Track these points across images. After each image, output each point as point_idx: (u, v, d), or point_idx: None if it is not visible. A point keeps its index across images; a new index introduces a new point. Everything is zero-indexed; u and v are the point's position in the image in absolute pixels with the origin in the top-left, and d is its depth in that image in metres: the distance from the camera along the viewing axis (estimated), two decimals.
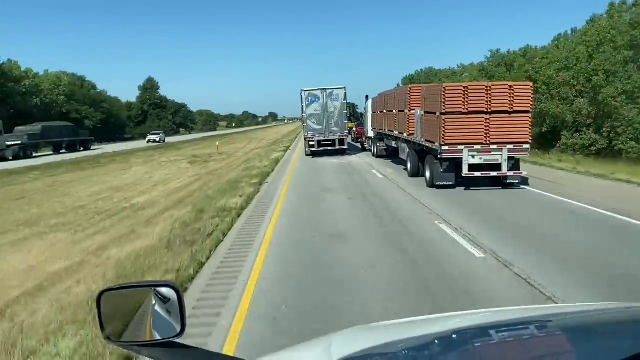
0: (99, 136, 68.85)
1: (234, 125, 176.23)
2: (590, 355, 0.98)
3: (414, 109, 15.27)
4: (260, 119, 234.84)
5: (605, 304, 1.64)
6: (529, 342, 1.24)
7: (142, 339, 1.38)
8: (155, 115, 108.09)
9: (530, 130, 12.50)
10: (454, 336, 1.30)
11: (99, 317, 1.40)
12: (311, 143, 24.83)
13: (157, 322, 1.40)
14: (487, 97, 12.08)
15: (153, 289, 1.45)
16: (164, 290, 1.43)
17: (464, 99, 12.10)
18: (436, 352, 1.22)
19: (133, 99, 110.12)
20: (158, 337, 1.36)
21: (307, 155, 25.16)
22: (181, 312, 1.38)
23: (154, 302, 1.42)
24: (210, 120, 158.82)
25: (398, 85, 67.19)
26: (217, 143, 40.08)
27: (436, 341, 1.26)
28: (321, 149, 24.66)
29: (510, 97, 12.06)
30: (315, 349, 1.33)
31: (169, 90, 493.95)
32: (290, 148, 34.80)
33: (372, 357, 1.22)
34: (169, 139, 69.08)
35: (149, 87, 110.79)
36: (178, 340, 1.35)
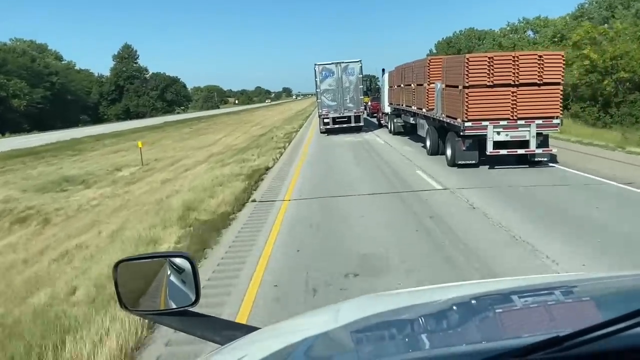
0: (42, 121, 51.95)
1: (236, 102, 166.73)
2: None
3: (433, 83, 14.41)
4: (273, 95, 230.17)
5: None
6: (543, 308, 1.23)
7: (157, 307, 1.45)
8: (132, 91, 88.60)
9: (561, 104, 11.60)
10: (472, 302, 1.30)
11: (116, 287, 1.44)
12: (325, 120, 23.98)
13: (172, 291, 1.45)
14: (514, 69, 11.20)
15: (168, 259, 1.50)
16: (178, 260, 1.48)
17: (489, 70, 11.23)
18: (444, 317, 1.22)
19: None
20: (173, 306, 1.42)
21: (321, 132, 24.38)
22: (195, 282, 1.42)
23: (169, 272, 1.47)
24: (210, 97, 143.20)
25: (430, 52, 61.55)
26: (140, 145, 22.21)
27: (450, 307, 1.27)
28: (336, 126, 23.80)
29: (539, 67, 11.17)
30: (323, 316, 1.34)
31: (173, 67, 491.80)
32: (286, 152, 18.63)
33: (382, 320, 1.23)
34: (126, 124, 53.77)
35: (126, 56, 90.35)
36: (193, 309, 1.41)
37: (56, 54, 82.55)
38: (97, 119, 78.95)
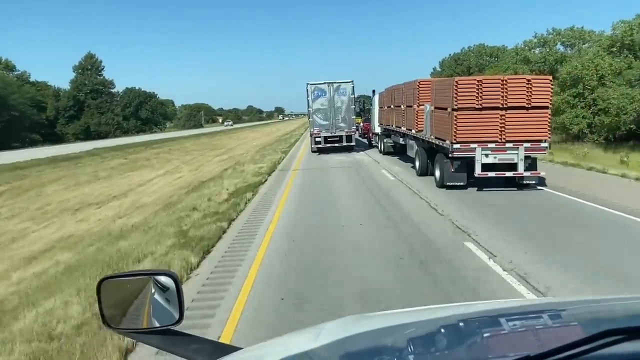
0: None
1: (221, 121, 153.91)
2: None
3: (423, 104, 14.46)
4: (265, 114, 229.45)
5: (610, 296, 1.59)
6: (523, 331, 1.24)
7: (140, 326, 1.43)
8: (94, 108, 76.43)
9: (549, 127, 11.65)
10: (459, 324, 1.29)
11: (99, 304, 1.44)
12: (317, 139, 24.03)
13: (156, 310, 1.43)
14: (502, 92, 11.26)
15: (152, 277, 1.48)
16: (162, 279, 1.46)
17: (477, 93, 11.29)
18: (425, 339, 1.22)
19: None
20: (157, 325, 1.40)
21: (313, 152, 24.38)
22: (179, 301, 1.41)
23: (153, 290, 1.45)
24: (193, 115, 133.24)
25: (434, 70, 60.24)
26: None
27: (434, 329, 1.27)
28: (327, 145, 23.85)
29: (528, 91, 11.23)
30: (306, 336, 1.32)
31: (162, 84, 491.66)
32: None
33: (364, 341, 1.22)
34: (44, 150, 41.85)
35: (88, 67, 77.57)
36: (176, 328, 1.40)
37: (7, 62, 70.32)
38: (56, 139, 68.37)
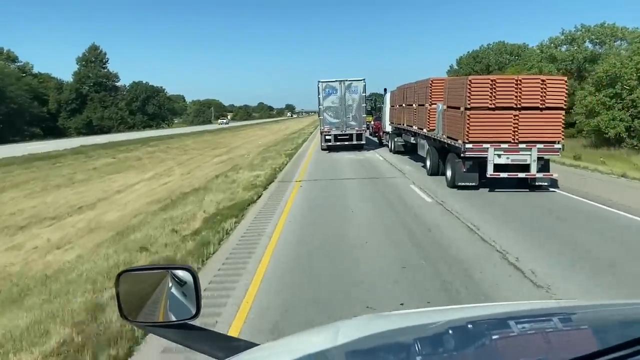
0: None
1: (228, 117, 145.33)
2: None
3: (435, 103, 14.37)
4: (275, 111, 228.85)
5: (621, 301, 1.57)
6: (539, 334, 1.24)
7: (157, 319, 1.43)
8: (97, 101, 73.51)
9: (562, 128, 11.52)
10: (469, 326, 1.29)
11: (117, 297, 1.44)
12: (327, 137, 23.99)
13: (173, 304, 1.43)
14: (516, 92, 11.14)
15: (170, 271, 1.48)
16: (180, 273, 1.46)
17: (491, 93, 11.18)
18: (447, 341, 1.21)
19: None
20: (173, 319, 1.40)
21: (322, 149, 24.35)
22: (197, 295, 1.41)
23: (170, 284, 1.45)
24: (202, 111, 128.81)
25: (451, 67, 58.82)
26: None
27: (447, 331, 1.27)
28: (337, 143, 23.79)
29: (542, 92, 11.11)
30: (323, 334, 1.30)
31: (173, 80, 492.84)
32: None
33: (380, 344, 1.22)
34: (33, 145, 39.42)
35: (92, 59, 74.76)
36: (192, 323, 1.39)
37: (8, 53, 67.84)
38: (59, 133, 66.00)
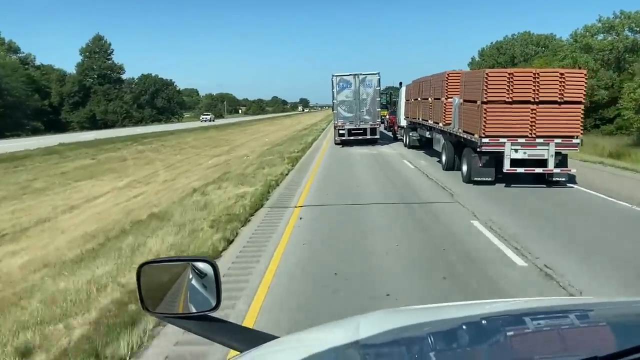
0: None
1: (240, 112, 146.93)
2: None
3: (451, 97, 14.24)
4: (289, 105, 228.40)
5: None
6: (556, 331, 1.23)
7: (178, 311, 1.45)
8: (101, 94, 69.87)
9: (581, 123, 11.33)
10: (483, 322, 1.28)
11: (139, 288, 1.45)
12: (341, 132, 23.91)
13: (193, 295, 1.45)
14: (534, 85, 11.00)
15: (190, 263, 1.49)
16: (200, 265, 1.48)
17: (508, 86, 11.05)
18: (465, 336, 1.22)
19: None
20: (194, 310, 1.42)
21: (336, 144, 24.31)
22: (217, 287, 1.42)
23: (190, 276, 1.46)
24: (214, 105, 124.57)
25: (472, 60, 57.33)
26: None
27: (464, 326, 1.27)
28: (351, 137, 23.72)
29: (560, 85, 10.94)
30: (342, 329, 1.31)
31: (187, 74, 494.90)
32: None
33: (399, 338, 1.23)
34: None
35: (96, 50, 71.15)
36: (213, 314, 1.41)
37: (10, 44, 64.90)
38: (61, 127, 63.10)
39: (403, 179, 13.36)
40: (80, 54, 71.52)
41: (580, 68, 27.64)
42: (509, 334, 1.22)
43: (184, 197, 11.70)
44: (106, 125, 66.50)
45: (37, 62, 69.37)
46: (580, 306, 1.50)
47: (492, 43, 54.23)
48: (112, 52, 73.02)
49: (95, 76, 70.90)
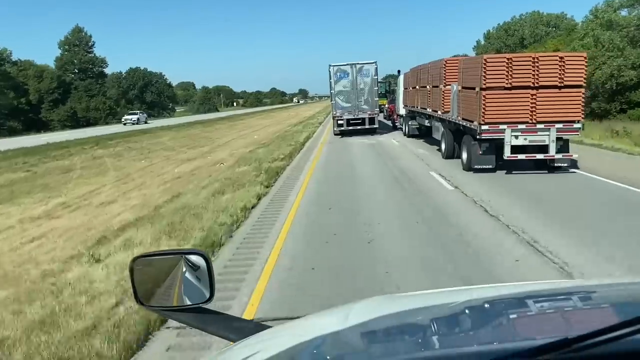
0: None
1: (235, 104, 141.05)
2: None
3: (449, 84, 14.04)
4: (288, 97, 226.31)
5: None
6: (555, 312, 1.22)
7: (172, 304, 1.47)
8: (83, 90, 65.68)
9: (582, 107, 11.14)
10: (483, 305, 1.27)
11: (132, 282, 1.46)
12: (339, 122, 23.76)
13: (187, 288, 1.45)
14: (533, 70, 10.80)
15: (183, 256, 1.49)
16: (193, 258, 1.48)
17: (507, 72, 10.85)
18: (455, 319, 1.21)
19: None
20: (188, 303, 1.43)
21: (335, 134, 24.16)
22: (210, 279, 1.43)
23: (184, 269, 1.46)
24: (208, 98, 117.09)
25: (478, 43, 55.47)
26: None
27: (455, 310, 1.26)
28: (350, 127, 23.57)
29: (560, 69, 10.75)
30: (335, 316, 1.30)
31: (183, 68, 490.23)
32: None
33: (391, 323, 1.21)
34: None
35: (76, 43, 66.91)
36: (206, 306, 1.42)
37: None
38: (41, 126, 59.02)
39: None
40: (59, 48, 67.33)
41: (603, 47, 26.63)
42: (508, 314, 1.22)
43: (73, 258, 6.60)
44: (88, 123, 62.79)
45: (15, 58, 64.80)
46: (584, 288, 1.48)
47: (499, 24, 51.56)
48: (93, 44, 69.06)
49: (76, 71, 67.02)
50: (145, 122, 56.63)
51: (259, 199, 10.02)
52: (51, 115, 62.89)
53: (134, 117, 57.32)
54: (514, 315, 1.22)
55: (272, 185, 11.68)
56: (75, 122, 63.62)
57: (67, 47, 66.89)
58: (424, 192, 9.97)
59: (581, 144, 15.41)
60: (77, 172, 18.22)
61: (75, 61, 66.61)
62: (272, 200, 10.00)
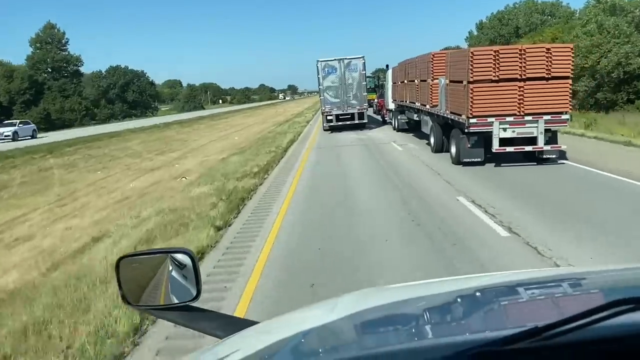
0: None
1: (220, 102, 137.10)
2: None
3: (437, 78, 13.99)
4: (277, 93, 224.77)
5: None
6: (531, 302, 1.22)
7: (159, 303, 1.47)
8: (57, 90, 61.66)
9: (570, 99, 11.15)
10: (461, 295, 1.27)
11: (118, 282, 1.47)
12: (329, 117, 23.67)
13: (173, 287, 1.46)
14: (520, 62, 10.78)
15: (169, 255, 1.49)
16: (179, 256, 1.48)
17: (494, 64, 10.82)
18: (432, 310, 1.21)
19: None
20: (175, 301, 1.43)
21: (325, 130, 24.06)
22: (196, 278, 1.43)
23: (170, 268, 1.47)
24: (193, 96, 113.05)
25: (470, 34, 54.94)
26: None
27: (433, 302, 1.27)
28: (339, 123, 23.49)
29: (547, 61, 10.75)
30: (322, 309, 1.33)
31: (171, 66, 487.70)
32: None
33: (376, 314, 1.21)
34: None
35: (48, 40, 63.14)
36: (194, 304, 1.42)
37: None
38: None
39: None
40: (30, 46, 62.78)
41: (608, 33, 25.85)
42: (484, 304, 1.23)
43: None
44: (64, 125, 58.81)
45: None
46: (574, 275, 1.49)
47: (492, 14, 50.50)
48: (67, 41, 64.21)
49: (49, 70, 62.79)
50: (32, 137, 39.99)
51: (201, 257, 6.05)
52: (23, 117, 57.35)
53: (8, 131, 38.55)
54: (490, 305, 1.23)
55: (229, 225, 7.77)
56: (49, 124, 59.07)
57: (38, 44, 63.03)
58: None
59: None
60: (12, 190, 15.17)
61: (48, 60, 62.63)
62: (216, 266, 5.88)
